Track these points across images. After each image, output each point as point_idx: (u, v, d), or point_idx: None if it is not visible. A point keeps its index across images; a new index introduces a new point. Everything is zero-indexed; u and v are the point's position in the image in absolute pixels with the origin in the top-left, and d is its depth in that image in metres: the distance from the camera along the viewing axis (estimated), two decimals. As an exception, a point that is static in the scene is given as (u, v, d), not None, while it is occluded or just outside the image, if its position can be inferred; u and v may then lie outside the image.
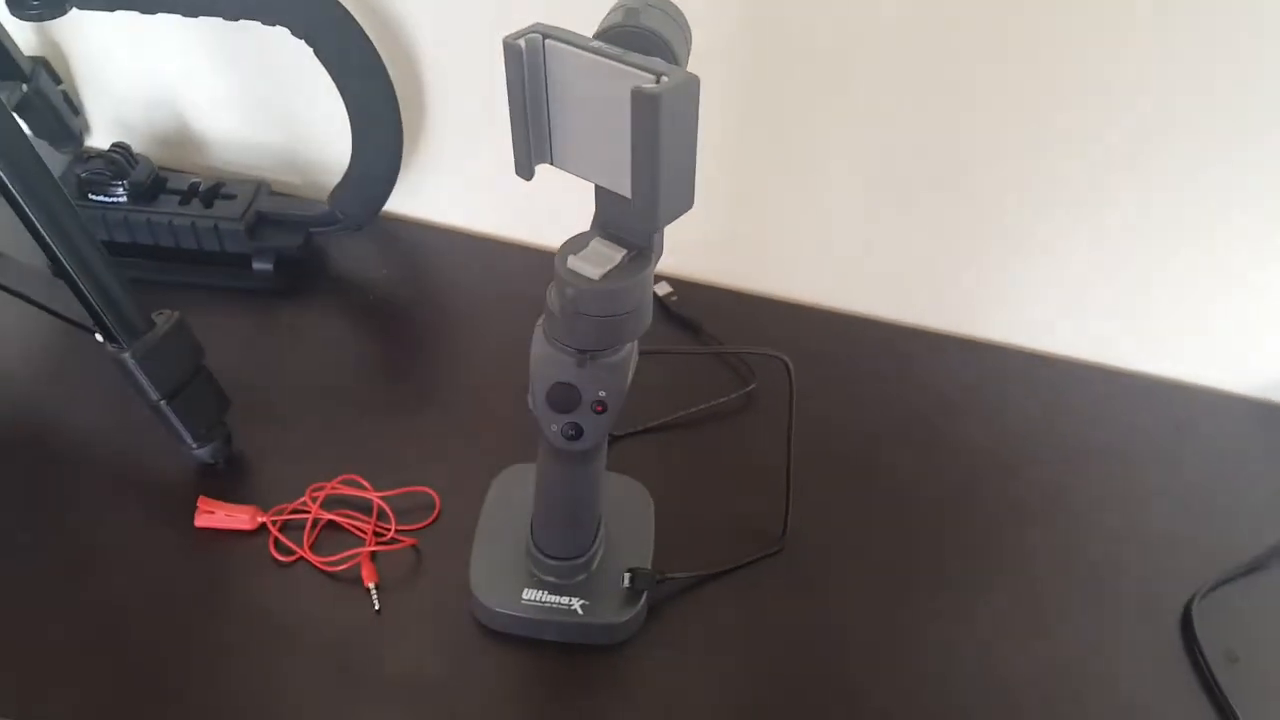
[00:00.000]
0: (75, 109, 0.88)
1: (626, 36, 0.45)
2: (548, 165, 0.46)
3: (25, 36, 0.86)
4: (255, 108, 0.88)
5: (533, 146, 0.45)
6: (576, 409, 0.51)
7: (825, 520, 0.69)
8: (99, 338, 0.61)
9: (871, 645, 0.63)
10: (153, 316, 0.62)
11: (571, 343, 0.49)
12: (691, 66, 0.67)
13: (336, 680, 0.58)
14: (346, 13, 0.70)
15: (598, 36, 0.45)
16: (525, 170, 0.46)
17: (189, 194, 0.80)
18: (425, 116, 0.84)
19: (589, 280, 0.46)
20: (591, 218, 0.49)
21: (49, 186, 0.56)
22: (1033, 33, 0.68)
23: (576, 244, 0.48)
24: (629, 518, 0.66)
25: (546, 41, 0.42)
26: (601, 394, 0.51)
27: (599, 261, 0.46)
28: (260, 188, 0.82)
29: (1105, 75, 0.68)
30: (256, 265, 0.80)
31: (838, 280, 0.85)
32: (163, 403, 0.63)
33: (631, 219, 0.45)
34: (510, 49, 0.41)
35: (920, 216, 0.79)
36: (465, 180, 0.88)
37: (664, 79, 0.38)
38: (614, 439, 0.73)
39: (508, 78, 0.42)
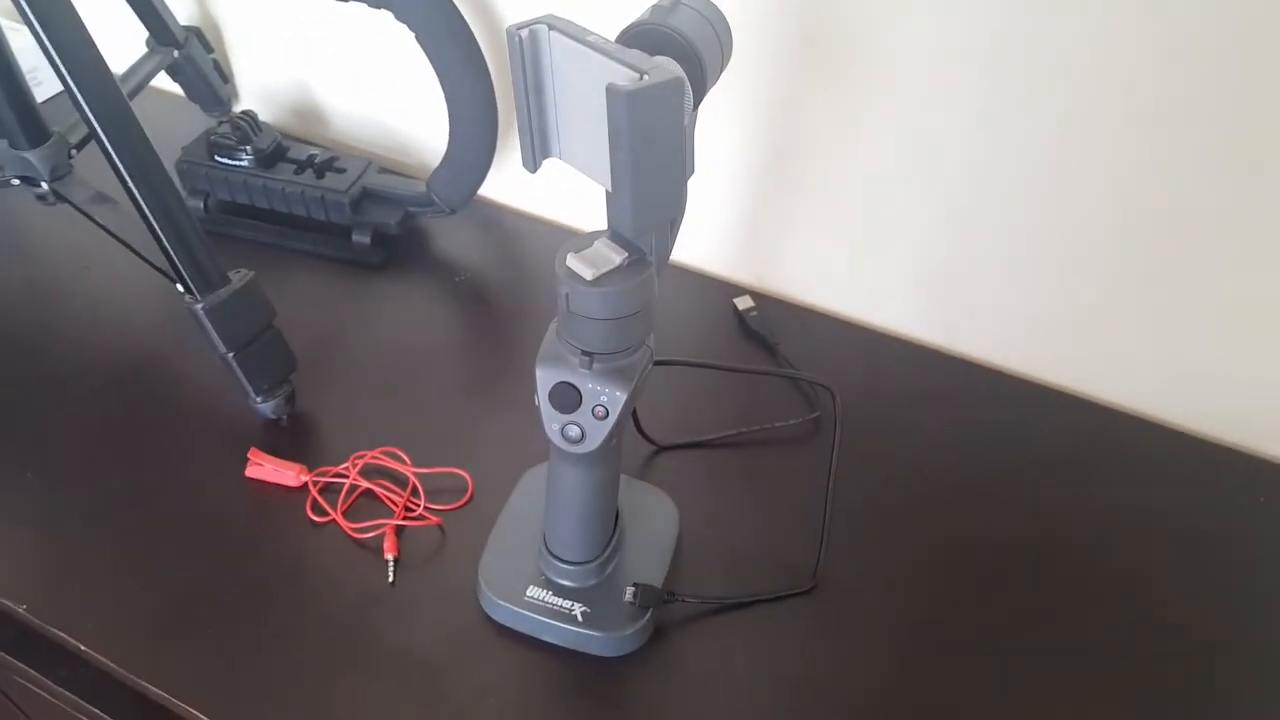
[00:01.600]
0: (224, 77, 0.95)
1: (647, 35, 0.44)
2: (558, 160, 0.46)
3: (186, 8, 0.94)
4: (378, 88, 0.92)
5: (536, 139, 0.44)
6: (577, 410, 0.51)
7: (868, 566, 0.65)
8: (179, 288, 0.65)
9: (891, 708, 0.58)
10: (229, 274, 0.66)
11: (573, 342, 0.49)
12: (799, 81, 0.64)
13: (339, 641, 0.60)
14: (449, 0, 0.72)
15: (622, 33, 0.44)
16: (529, 162, 0.45)
17: (304, 164, 0.85)
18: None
19: (582, 280, 0.45)
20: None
21: (143, 146, 0.61)
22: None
23: (581, 242, 0.47)
24: (651, 531, 0.64)
25: (549, 33, 0.41)
26: (603, 398, 0.50)
27: (597, 262, 0.45)
28: (370, 165, 0.86)
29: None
30: (355, 238, 0.84)
31: (937, 317, 0.80)
32: (229, 355, 0.67)
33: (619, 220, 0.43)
34: (512, 38, 0.41)
35: (1048, 260, 0.73)
36: (563, 171, 0.88)
37: (644, 77, 0.37)
38: (660, 449, 0.71)
39: (511, 67, 0.42)
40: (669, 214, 0.42)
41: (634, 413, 0.67)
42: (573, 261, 0.45)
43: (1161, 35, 0.60)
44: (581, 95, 0.41)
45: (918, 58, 0.68)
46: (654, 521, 0.65)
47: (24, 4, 0.55)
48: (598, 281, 0.45)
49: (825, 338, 0.81)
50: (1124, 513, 0.69)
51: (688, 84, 0.40)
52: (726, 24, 0.47)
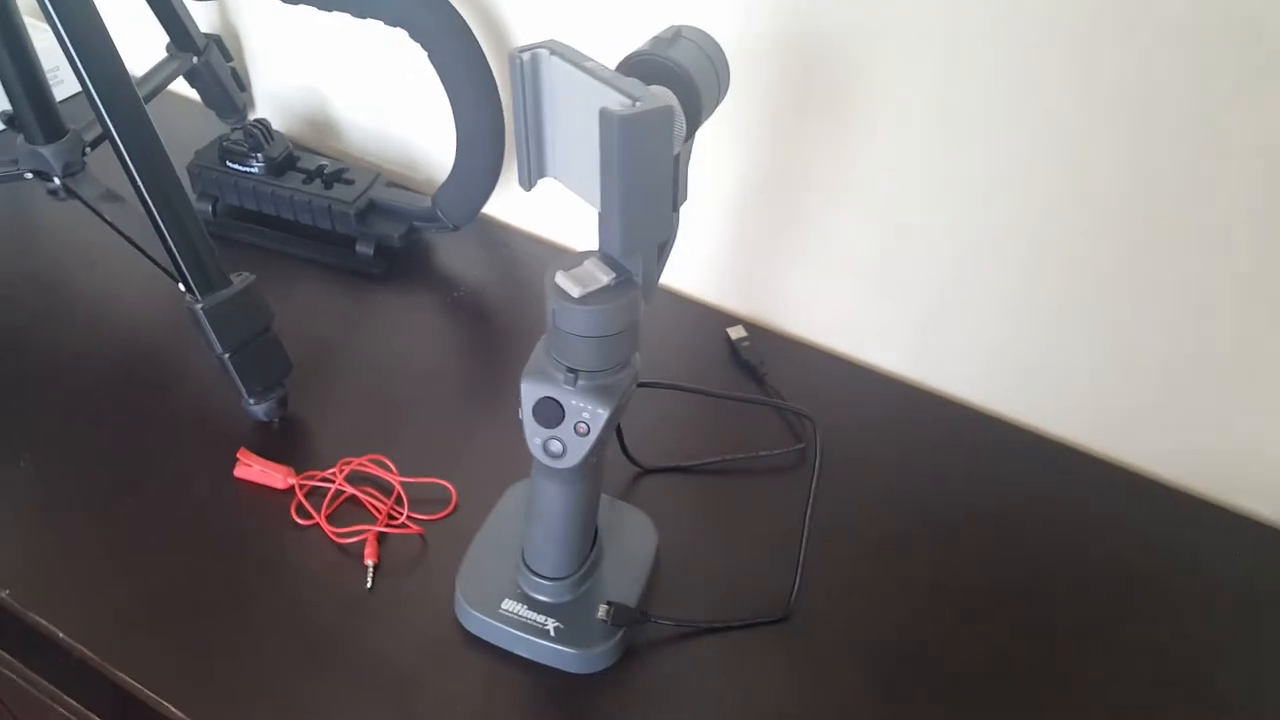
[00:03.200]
0: (241, 85, 0.97)
1: (645, 64, 0.45)
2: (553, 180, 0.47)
3: (209, 16, 0.96)
4: (390, 103, 0.94)
5: (532, 158, 0.45)
6: (559, 425, 0.52)
7: (844, 600, 0.65)
8: (180, 287, 0.67)
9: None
10: (230, 276, 0.67)
11: (559, 359, 0.50)
12: (799, 116, 0.66)
13: (314, 643, 0.60)
14: (462, 21, 0.74)
15: (622, 62, 0.46)
16: (525, 181, 0.46)
17: (314, 174, 0.86)
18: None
19: (568, 297, 0.46)
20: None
21: (154, 146, 0.62)
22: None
23: (571, 261, 0.48)
24: (629, 551, 0.65)
25: (550, 57, 0.42)
26: (585, 415, 0.51)
27: (584, 281, 0.46)
28: (378, 178, 0.87)
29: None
30: (359, 248, 0.86)
31: (925, 356, 0.81)
32: (226, 356, 0.68)
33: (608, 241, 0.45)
34: (514, 60, 0.42)
35: (1039, 303, 0.74)
36: (563, 192, 0.90)
37: (637, 104, 0.38)
38: (644, 472, 0.72)
39: (512, 89, 0.43)
40: (656, 237, 0.43)
41: (619, 434, 0.68)
42: (561, 279, 0.47)
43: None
44: (577, 119, 0.42)
45: (922, 99, 0.69)
46: (633, 542, 0.65)
47: (46, 2, 0.57)
48: (584, 299, 0.46)
49: (813, 371, 0.82)
50: (1098, 553, 0.70)
51: (679, 113, 0.41)
52: (725, 58, 0.48)
